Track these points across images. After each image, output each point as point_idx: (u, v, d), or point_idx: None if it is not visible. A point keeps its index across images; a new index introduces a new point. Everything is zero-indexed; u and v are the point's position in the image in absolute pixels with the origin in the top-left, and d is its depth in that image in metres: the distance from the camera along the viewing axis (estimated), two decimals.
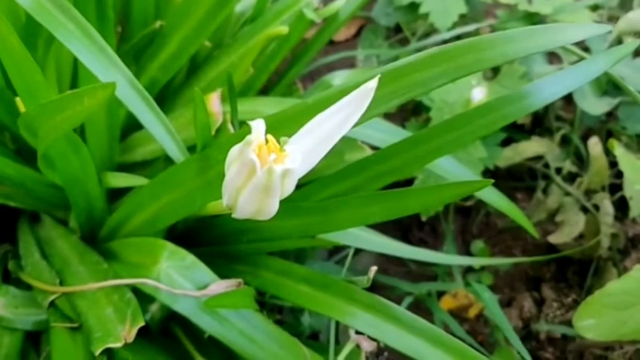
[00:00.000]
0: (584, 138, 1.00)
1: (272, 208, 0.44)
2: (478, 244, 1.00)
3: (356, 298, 0.58)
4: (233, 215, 0.48)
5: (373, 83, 0.43)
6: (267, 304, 0.80)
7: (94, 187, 0.67)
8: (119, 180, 0.70)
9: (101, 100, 0.47)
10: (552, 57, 0.99)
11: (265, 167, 0.39)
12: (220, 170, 0.56)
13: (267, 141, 0.42)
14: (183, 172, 0.58)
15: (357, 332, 0.59)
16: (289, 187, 0.43)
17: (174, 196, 0.59)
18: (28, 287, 0.67)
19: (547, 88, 0.60)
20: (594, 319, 0.73)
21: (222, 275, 0.64)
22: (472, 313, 0.95)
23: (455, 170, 0.80)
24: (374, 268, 0.54)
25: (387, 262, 0.98)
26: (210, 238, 0.69)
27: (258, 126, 0.41)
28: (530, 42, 0.52)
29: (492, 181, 0.50)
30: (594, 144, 0.88)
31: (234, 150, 0.42)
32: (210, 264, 0.62)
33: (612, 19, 1.05)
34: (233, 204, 0.46)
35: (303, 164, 0.45)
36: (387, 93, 0.52)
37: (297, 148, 0.43)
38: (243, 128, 0.57)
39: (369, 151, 0.79)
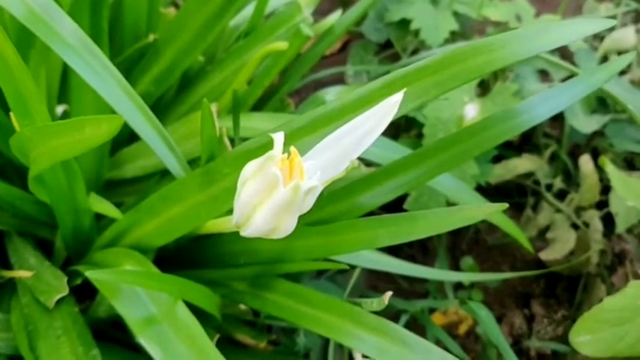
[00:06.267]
0: (571, 154, 1.01)
1: (290, 226, 0.42)
2: (467, 261, 1.00)
3: (361, 320, 0.56)
4: (242, 233, 0.46)
5: (398, 97, 0.41)
6: (259, 324, 0.78)
7: (83, 205, 0.64)
8: (101, 206, 0.66)
9: (105, 133, 0.44)
10: (542, 75, 1.00)
11: (291, 183, 0.38)
12: (226, 185, 0.54)
13: (288, 154, 0.40)
14: (186, 187, 0.56)
15: (364, 356, 0.57)
16: (309, 204, 0.42)
17: (176, 212, 0.57)
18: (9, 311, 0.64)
19: (540, 105, 0.60)
20: (591, 335, 0.73)
21: (221, 295, 0.62)
22: (462, 329, 0.95)
23: (449, 184, 0.80)
24: (389, 293, 0.52)
25: (376, 279, 0.97)
26: (205, 259, 0.66)
27: (278, 139, 0.39)
28: (541, 39, 0.52)
29: (506, 205, 0.49)
30: (585, 162, 0.88)
31: (252, 165, 0.41)
32: (208, 284, 0.60)
33: (597, 37, 1.07)
34: (245, 222, 0.45)
35: (321, 179, 0.43)
36: None
37: (316, 164, 0.42)
38: (245, 143, 0.55)
39: (362, 167, 0.78)
